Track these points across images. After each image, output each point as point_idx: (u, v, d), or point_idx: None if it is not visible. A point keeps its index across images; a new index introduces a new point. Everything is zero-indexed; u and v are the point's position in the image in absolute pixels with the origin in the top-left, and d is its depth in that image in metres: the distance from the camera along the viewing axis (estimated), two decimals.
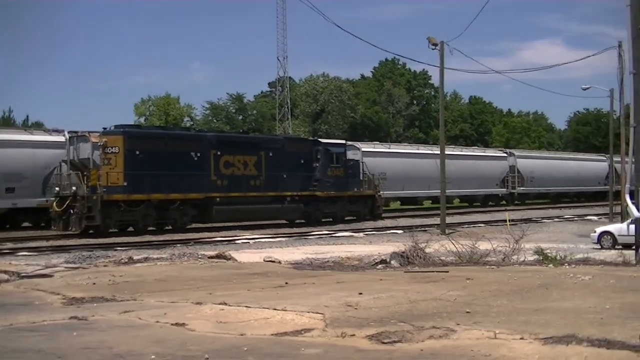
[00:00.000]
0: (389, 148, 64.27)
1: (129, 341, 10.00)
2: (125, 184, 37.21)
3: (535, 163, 77.31)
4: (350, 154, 52.86)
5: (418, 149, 65.43)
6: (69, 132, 41.04)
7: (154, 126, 70.19)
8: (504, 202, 73.08)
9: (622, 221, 35.55)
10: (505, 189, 73.32)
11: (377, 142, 72.02)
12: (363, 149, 57.62)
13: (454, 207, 65.93)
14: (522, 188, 74.64)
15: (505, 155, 75.68)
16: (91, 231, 36.68)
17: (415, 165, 59.44)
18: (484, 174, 70.25)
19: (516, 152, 78.54)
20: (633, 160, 22.01)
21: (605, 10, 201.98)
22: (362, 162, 51.69)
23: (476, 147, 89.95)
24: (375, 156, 58.51)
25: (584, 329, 9.95)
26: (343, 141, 53.31)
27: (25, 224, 42.48)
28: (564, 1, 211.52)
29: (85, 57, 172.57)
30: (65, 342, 9.98)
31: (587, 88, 57.82)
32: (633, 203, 21.59)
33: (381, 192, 51.93)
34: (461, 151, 73.37)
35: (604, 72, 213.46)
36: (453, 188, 63.11)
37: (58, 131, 43.24)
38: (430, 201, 64.94)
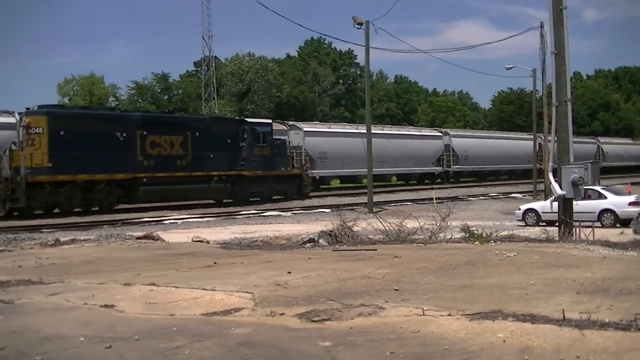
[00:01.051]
0: (330, 128, 65.55)
1: (57, 324, 9.89)
2: (49, 165, 36.68)
3: (469, 142, 79.28)
4: (292, 134, 55.00)
5: (357, 129, 66.10)
6: (19, 114, 40.37)
7: (78, 106, 69.08)
8: (439, 180, 74.47)
9: (546, 199, 36.16)
10: (440, 167, 75.04)
11: (318, 123, 73.75)
12: (305, 129, 59.36)
13: (381, 185, 66.60)
14: (456, 166, 76.69)
15: (440, 134, 77.75)
16: (15, 213, 36.16)
17: (354, 145, 59.94)
18: (420, 152, 72.09)
19: (451, 132, 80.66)
20: (555, 138, 22.38)
21: None
22: (289, 142, 51.84)
23: (412, 127, 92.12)
24: (316, 136, 60.12)
25: (509, 304, 10.11)
26: (269, 120, 53.29)
27: None
28: None
29: (6, 35, 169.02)
30: None
31: (511, 68, 58.54)
32: (556, 181, 21.96)
33: (309, 172, 52.18)
34: (398, 130, 75.76)
35: (527, 52, 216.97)
36: (390, 167, 66.09)
37: (9, 112, 42.37)
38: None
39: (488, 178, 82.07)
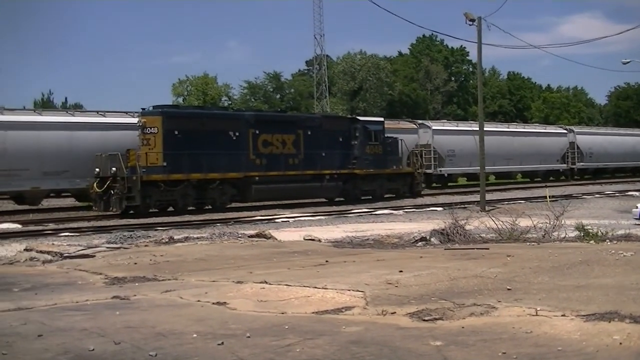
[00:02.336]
0: (457, 126, 66.29)
1: (171, 320, 10.08)
2: (164, 164, 37.31)
3: (594, 139, 78.99)
4: (421, 132, 57.74)
5: (485, 127, 66.52)
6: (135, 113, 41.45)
7: (192, 106, 70.27)
8: (563, 177, 74.16)
9: None
10: (565, 165, 74.95)
11: (446, 121, 74.70)
12: (434, 128, 60.92)
13: (494, 183, 66.37)
14: (581, 163, 76.41)
15: (565, 131, 77.52)
16: (131, 211, 36.90)
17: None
18: (545, 150, 72.14)
19: (575, 129, 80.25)
20: None
21: None
22: (401, 140, 51.57)
23: (537, 124, 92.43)
24: (445, 134, 61.33)
25: (626, 305, 9.87)
26: (381, 119, 53.20)
27: (66, 205, 42.92)
28: None
29: (122, 37, 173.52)
30: (108, 321, 10.08)
31: (628, 62, 57.34)
32: None
33: (421, 170, 51.93)
34: (524, 128, 76.23)
35: None
36: (515, 164, 67.42)
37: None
38: (494, 177, 68.75)
39: (604, 176, 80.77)
